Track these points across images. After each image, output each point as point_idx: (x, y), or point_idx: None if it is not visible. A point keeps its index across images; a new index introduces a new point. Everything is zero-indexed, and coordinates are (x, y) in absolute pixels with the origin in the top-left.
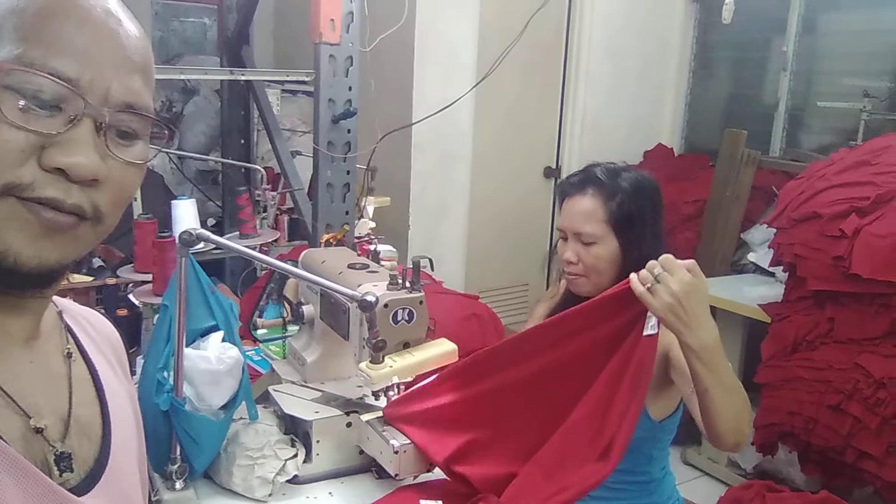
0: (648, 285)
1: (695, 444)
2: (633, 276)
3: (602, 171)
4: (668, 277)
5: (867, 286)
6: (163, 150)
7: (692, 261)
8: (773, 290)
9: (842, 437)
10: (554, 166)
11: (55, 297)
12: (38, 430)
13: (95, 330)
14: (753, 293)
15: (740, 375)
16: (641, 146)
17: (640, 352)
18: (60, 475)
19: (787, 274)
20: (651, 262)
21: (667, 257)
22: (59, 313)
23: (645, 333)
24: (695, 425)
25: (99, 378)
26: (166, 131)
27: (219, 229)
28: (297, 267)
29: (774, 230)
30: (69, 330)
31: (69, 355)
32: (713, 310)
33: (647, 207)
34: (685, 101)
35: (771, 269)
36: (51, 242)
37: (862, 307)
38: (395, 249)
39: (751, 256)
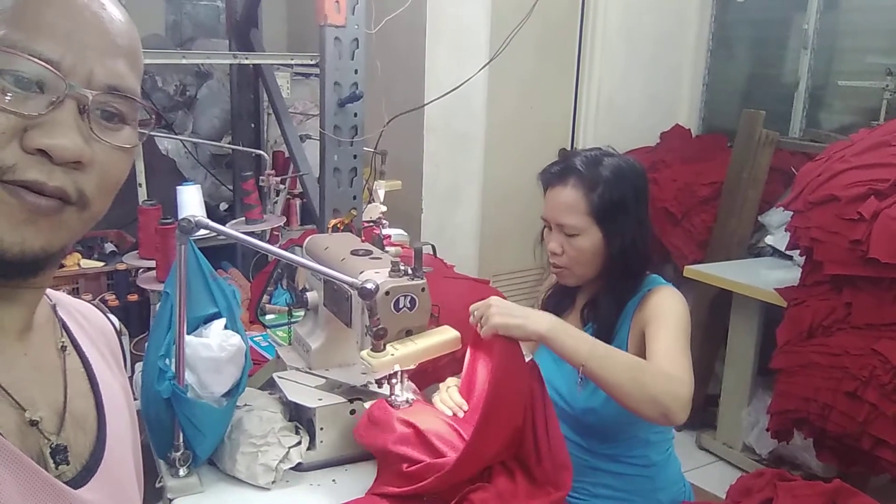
0: (480, 323)
1: (709, 428)
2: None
3: (582, 160)
4: (485, 306)
5: (886, 270)
6: (173, 136)
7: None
8: (790, 274)
9: (858, 424)
10: (569, 148)
11: (49, 291)
12: (34, 423)
13: (89, 323)
14: (771, 277)
15: (756, 360)
16: (658, 127)
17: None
18: (56, 468)
19: (804, 258)
20: (472, 311)
21: (475, 305)
22: (53, 307)
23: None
24: (709, 410)
25: (92, 371)
26: (153, 117)
27: (231, 214)
28: (301, 252)
29: (792, 213)
30: (63, 324)
31: (63, 349)
32: (729, 293)
33: (630, 195)
34: (703, 80)
35: (789, 253)
36: (34, 227)
37: (880, 292)
38: (405, 233)
39: (768, 239)
